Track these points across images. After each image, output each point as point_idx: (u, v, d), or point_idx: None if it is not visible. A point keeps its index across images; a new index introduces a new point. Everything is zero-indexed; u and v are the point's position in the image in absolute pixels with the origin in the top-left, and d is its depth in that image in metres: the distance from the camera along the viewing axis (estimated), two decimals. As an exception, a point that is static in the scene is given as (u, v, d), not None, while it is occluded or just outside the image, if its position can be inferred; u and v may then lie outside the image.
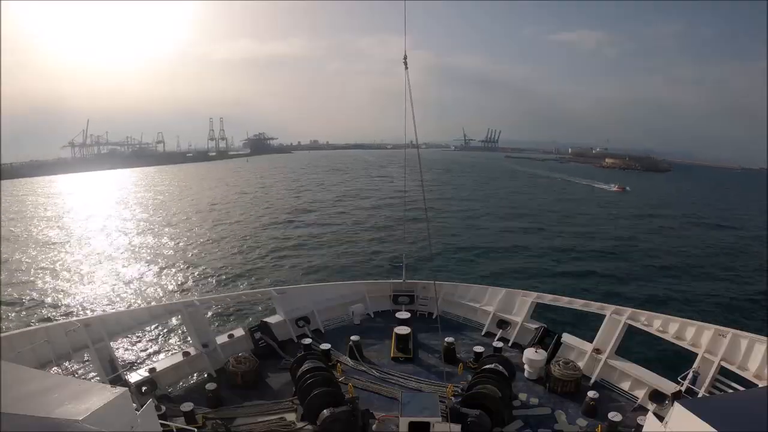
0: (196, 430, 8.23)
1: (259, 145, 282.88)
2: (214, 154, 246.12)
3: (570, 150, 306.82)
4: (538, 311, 14.16)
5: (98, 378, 10.32)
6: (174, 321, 21.91)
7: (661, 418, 6.92)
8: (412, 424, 8.53)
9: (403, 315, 14.39)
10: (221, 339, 12.90)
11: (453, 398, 10.06)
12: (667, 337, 11.20)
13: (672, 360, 12.67)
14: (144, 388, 10.55)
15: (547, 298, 13.79)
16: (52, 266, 39.00)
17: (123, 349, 21.90)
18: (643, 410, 10.26)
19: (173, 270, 38.15)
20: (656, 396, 10.47)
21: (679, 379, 10.41)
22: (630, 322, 11.87)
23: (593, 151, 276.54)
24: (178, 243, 47.86)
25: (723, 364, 10.06)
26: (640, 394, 10.82)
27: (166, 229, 55.28)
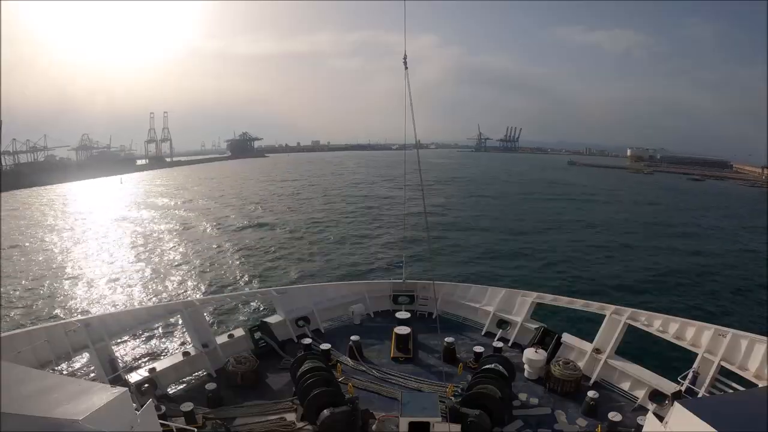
0: (196, 430, 8.24)
1: (242, 147, 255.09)
2: (143, 162, 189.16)
3: (629, 152, 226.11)
4: (538, 311, 14.16)
5: (98, 378, 10.32)
6: (174, 321, 21.89)
7: (661, 418, 6.92)
8: (412, 424, 8.53)
9: (403, 315, 14.39)
10: (221, 339, 12.90)
11: (453, 398, 10.07)
12: (667, 337, 11.20)
13: (672, 360, 12.67)
14: (144, 388, 10.55)
15: (547, 298, 13.79)
16: (52, 267, 39.00)
17: (123, 349, 21.88)
18: (643, 410, 10.25)
19: (173, 270, 38.13)
20: (656, 396, 10.47)
21: (679, 379, 10.41)
22: (630, 322, 11.87)
23: (649, 153, 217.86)
24: (178, 243, 47.87)
25: (723, 364, 10.05)
26: (640, 394, 10.82)
27: (166, 230, 55.33)
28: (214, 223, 58.51)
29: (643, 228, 57.54)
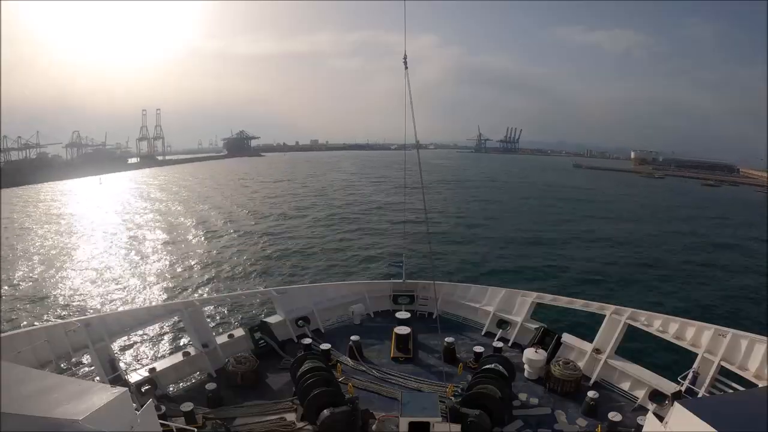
0: (196, 430, 8.24)
1: (238, 146, 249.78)
2: (135, 160, 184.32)
3: (633, 155, 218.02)
4: (538, 311, 14.16)
5: (98, 378, 10.32)
6: (174, 321, 21.91)
7: (661, 418, 6.93)
8: (412, 424, 8.53)
9: (403, 315, 14.39)
10: (221, 339, 12.91)
11: (453, 398, 10.07)
12: (667, 337, 11.20)
13: (672, 360, 12.69)
14: (144, 388, 10.56)
15: (547, 298, 13.79)
16: (52, 267, 38.99)
17: (123, 349, 21.89)
18: (643, 410, 10.26)
19: (173, 270, 38.14)
20: (656, 396, 10.48)
21: (679, 379, 10.42)
22: (630, 322, 11.87)
23: (653, 155, 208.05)
24: (179, 244, 47.87)
25: (723, 364, 10.06)
26: (640, 394, 10.83)
27: (167, 230, 55.33)
28: (194, 227, 56.26)
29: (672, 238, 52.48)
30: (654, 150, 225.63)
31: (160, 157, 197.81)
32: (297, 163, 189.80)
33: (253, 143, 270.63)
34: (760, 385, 9.23)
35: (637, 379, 11.03)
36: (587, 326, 13.80)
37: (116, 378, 10.43)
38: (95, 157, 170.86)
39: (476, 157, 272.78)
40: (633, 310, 12.10)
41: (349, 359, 12.56)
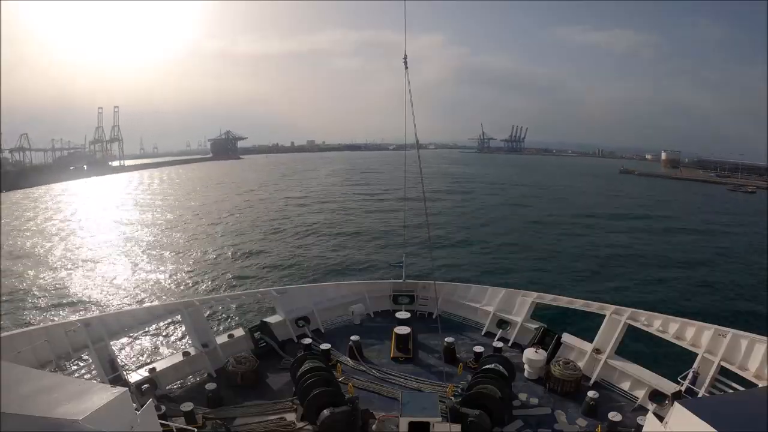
0: (196, 430, 8.23)
1: (225, 147, 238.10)
2: (85, 166, 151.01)
3: (663, 156, 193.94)
4: (538, 311, 14.16)
5: (98, 378, 10.32)
6: (174, 321, 21.91)
7: (661, 418, 6.93)
8: (412, 424, 8.53)
9: (403, 315, 14.39)
10: (221, 339, 12.91)
11: (453, 398, 10.07)
12: (667, 337, 11.20)
13: (672, 360, 12.66)
14: (144, 388, 10.56)
15: (547, 298, 13.79)
16: (52, 267, 38.98)
17: (123, 349, 21.90)
18: (643, 410, 10.25)
19: (173, 270, 38.15)
20: (656, 396, 10.47)
21: (679, 379, 10.41)
22: (630, 322, 11.87)
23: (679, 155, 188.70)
24: (179, 244, 47.86)
25: (723, 364, 10.05)
26: (640, 394, 10.82)
27: (167, 230, 55.28)
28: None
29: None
30: (678, 150, 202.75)
31: (115, 163, 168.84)
32: (266, 169, 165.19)
33: (244, 144, 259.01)
34: (760, 385, 9.22)
35: (637, 379, 11.03)
36: (587, 326, 13.80)
37: (116, 378, 10.43)
38: (70, 160, 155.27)
39: (487, 159, 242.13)
40: (633, 310, 12.09)
41: (349, 359, 12.56)
